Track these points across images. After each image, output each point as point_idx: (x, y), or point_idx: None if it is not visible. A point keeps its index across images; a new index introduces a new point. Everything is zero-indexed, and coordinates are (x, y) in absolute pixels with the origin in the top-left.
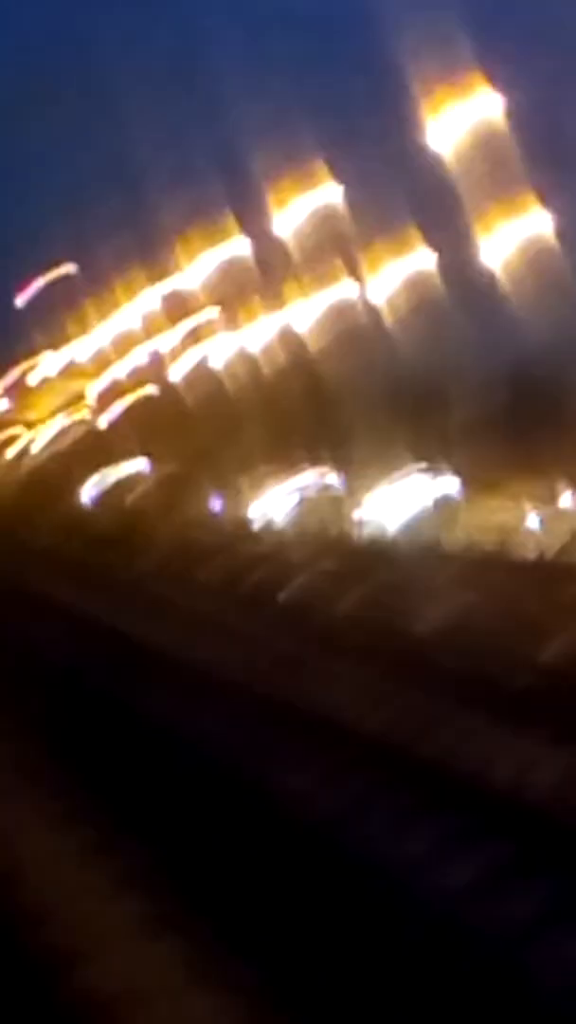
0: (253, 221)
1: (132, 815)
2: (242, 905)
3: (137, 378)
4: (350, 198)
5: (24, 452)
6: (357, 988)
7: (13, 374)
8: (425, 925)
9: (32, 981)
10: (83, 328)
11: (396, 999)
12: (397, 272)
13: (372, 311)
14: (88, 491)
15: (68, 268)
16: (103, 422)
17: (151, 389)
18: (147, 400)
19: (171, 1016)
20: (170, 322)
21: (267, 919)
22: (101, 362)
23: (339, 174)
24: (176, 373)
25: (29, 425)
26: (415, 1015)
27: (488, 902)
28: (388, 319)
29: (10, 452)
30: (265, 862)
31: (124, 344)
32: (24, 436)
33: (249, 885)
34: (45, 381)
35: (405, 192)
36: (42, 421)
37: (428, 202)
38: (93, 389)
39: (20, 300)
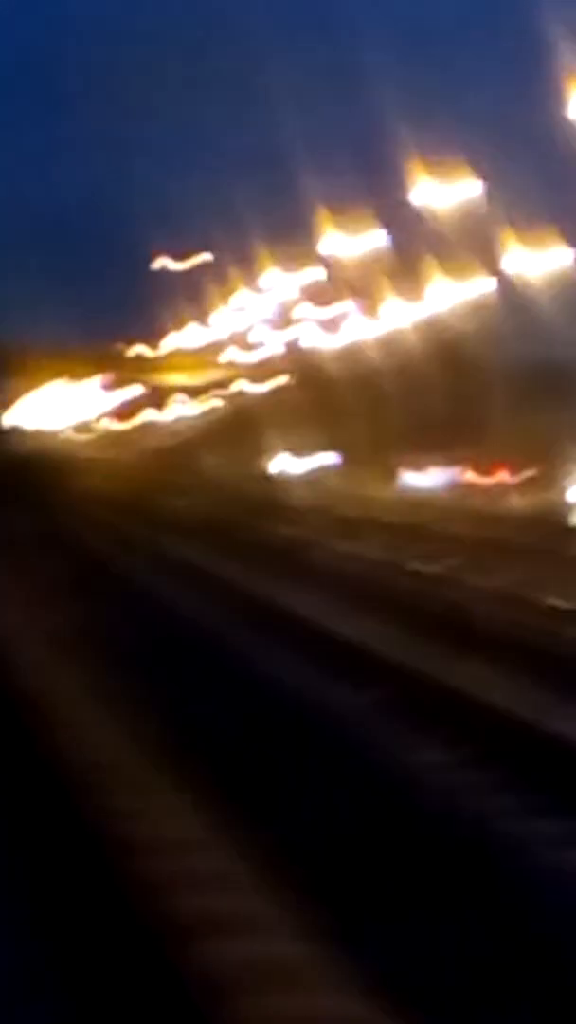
0: (392, 211)
1: None
2: None
3: (276, 362)
4: (490, 192)
5: (170, 416)
6: None
7: (162, 339)
8: None
9: None
10: (217, 308)
11: None
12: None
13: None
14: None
15: (204, 256)
16: (246, 398)
17: (288, 375)
18: (289, 384)
19: None
20: (308, 309)
21: None
22: (237, 343)
23: (480, 169)
24: (316, 359)
25: (173, 390)
26: None
27: None
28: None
29: (165, 414)
30: None
31: (259, 328)
32: (172, 400)
33: None
34: (184, 351)
35: (547, 186)
36: (188, 390)
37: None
38: (236, 367)
39: (157, 264)
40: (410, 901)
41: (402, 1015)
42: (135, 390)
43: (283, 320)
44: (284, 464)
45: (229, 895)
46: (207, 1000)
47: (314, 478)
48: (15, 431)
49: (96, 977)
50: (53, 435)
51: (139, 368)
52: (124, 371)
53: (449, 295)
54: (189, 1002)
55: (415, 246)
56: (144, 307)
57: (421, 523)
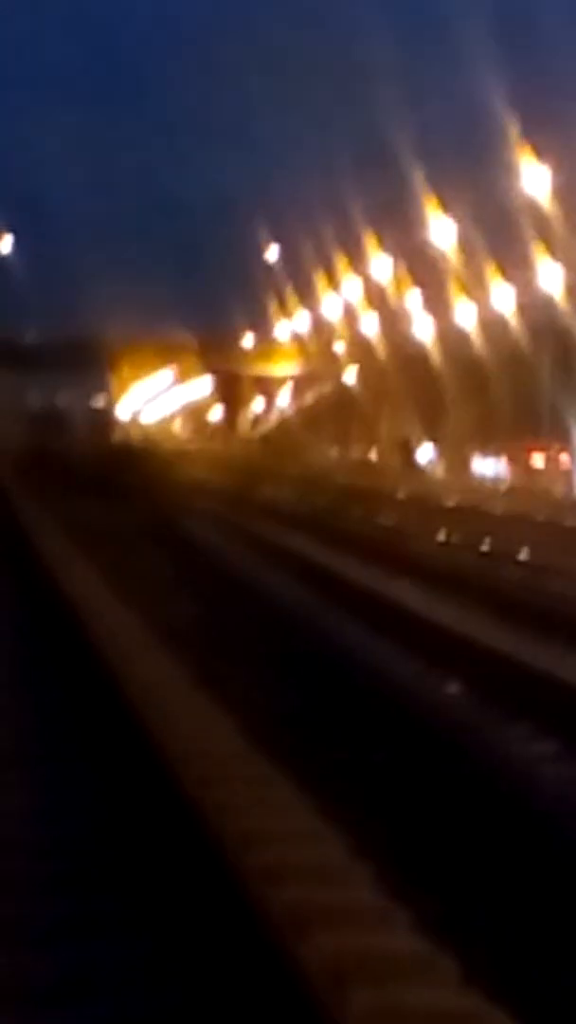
0: (457, 203)
1: None
2: None
3: (379, 350)
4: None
5: (269, 409)
6: None
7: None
8: None
9: None
10: (323, 296)
11: None
12: None
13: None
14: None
15: (308, 245)
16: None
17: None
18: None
19: None
20: (412, 296)
21: None
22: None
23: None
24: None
25: (278, 380)
26: None
27: None
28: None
29: (256, 407)
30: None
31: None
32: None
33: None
34: (289, 340)
35: None
36: (292, 379)
37: None
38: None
39: (262, 254)
40: None
41: None
42: (239, 380)
43: (387, 307)
44: (385, 453)
45: (339, 888)
46: (327, 991)
47: (418, 466)
48: (120, 423)
49: (215, 968)
50: (157, 426)
51: (244, 358)
52: (229, 361)
53: (553, 280)
54: (309, 993)
55: (520, 231)
56: (249, 297)
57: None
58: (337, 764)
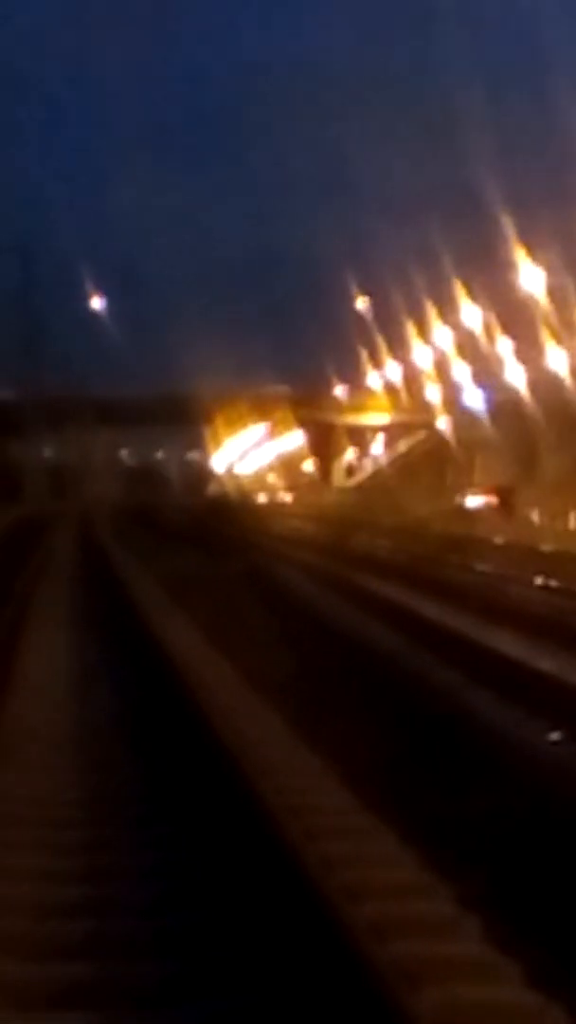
0: (546, 250)
1: None
2: None
3: (471, 399)
4: None
5: (363, 457)
6: None
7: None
8: None
9: None
10: (413, 346)
11: None
12: None
13: None
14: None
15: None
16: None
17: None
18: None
19: None
20: (503, 344)
21: None
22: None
23: None
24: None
25: (371, 430)
26: None
27: None
28: None
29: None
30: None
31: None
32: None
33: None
34: (381, 390)
35: None
36: (385, 429)
37: None
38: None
39: (353, 306)
40: None
41: None
42: (332, 430)
43: (478, 355)
44: (477, 500)
45: (450, 941)
46: None
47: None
48: (215, 476)
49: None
50: (252, 478)
51: (336, 409)
52: (321, 413)
53: None
54: None
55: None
56: (341, 348)
57: None
58: (444, 817)
